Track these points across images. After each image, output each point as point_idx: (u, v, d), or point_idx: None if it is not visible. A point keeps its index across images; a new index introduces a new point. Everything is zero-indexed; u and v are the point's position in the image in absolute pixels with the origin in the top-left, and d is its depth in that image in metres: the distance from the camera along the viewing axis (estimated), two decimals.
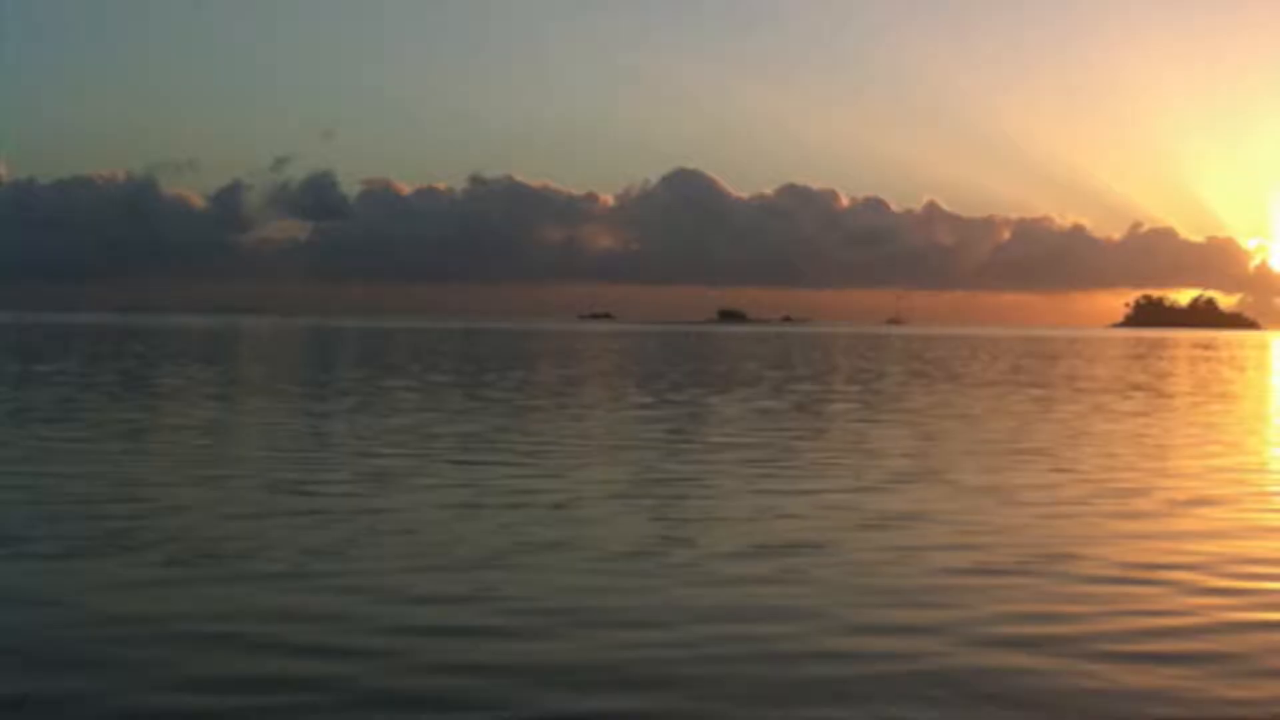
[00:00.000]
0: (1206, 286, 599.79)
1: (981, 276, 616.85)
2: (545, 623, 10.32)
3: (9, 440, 23.27)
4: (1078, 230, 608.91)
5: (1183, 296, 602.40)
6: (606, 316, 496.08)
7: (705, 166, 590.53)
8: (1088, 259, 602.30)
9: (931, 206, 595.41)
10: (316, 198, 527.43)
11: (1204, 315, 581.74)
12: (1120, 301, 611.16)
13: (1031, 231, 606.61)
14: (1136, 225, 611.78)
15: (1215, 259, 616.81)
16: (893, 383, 49.86)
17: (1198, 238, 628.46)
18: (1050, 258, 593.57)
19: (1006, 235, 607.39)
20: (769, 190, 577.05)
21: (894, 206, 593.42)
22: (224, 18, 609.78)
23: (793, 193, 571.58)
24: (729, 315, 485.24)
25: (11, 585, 11.44)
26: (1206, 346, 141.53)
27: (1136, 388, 47.50)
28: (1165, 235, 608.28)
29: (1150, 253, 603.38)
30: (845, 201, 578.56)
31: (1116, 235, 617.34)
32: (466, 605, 10.91)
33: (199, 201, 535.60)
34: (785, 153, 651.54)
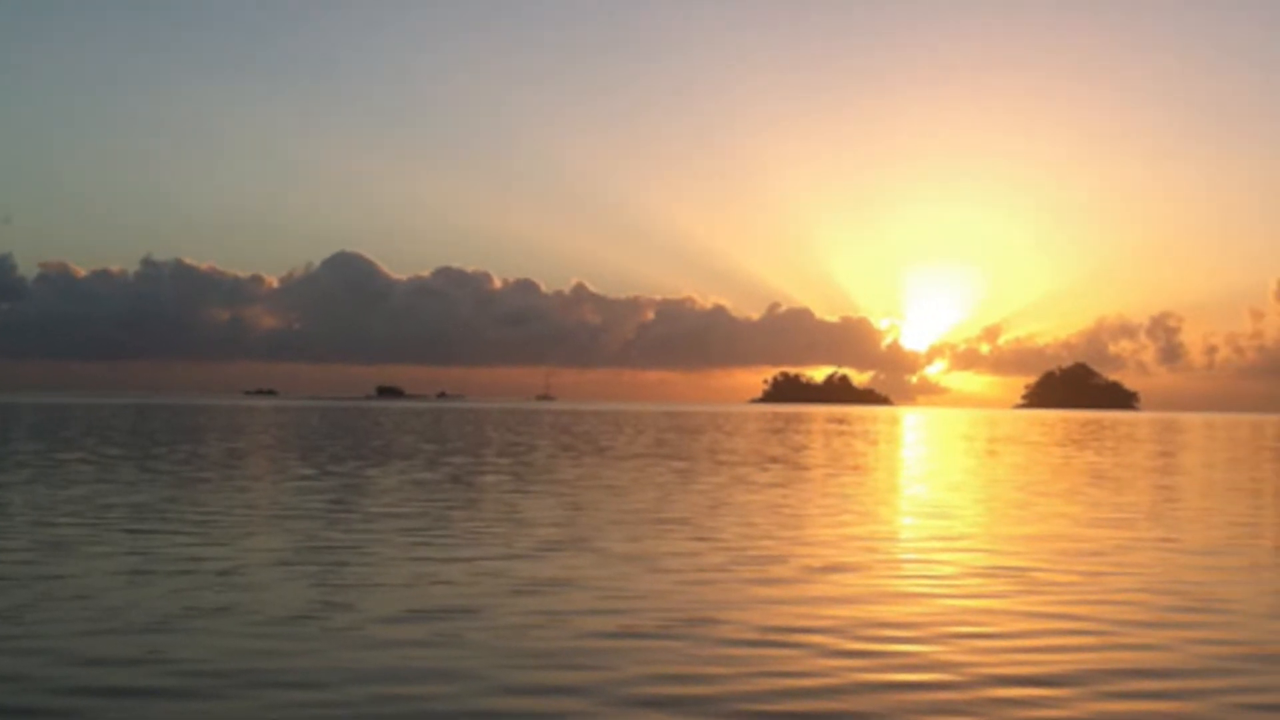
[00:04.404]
0: (841, 364, 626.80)
1: (627, 354, 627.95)
2: (214, 684, 10.43)
3: None
4: (719, 310, 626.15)
5: (818, 373, 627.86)
6: (271, 393, 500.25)
7: (365, 250, 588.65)
8: (728, 337, 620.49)
9: (579, 288, 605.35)
10: None
11: (838, 391, 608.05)
12: (759, 378, 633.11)
13: (675, 311, 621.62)
14: (775, 306, 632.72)
15: (849, 338, 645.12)
16: (542, 455, 50.37)
17: (832, 318, 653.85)
18: (692, 336, 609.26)
19: (651, 315, 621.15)
20: (425, 272, 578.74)
21: (544, 288, 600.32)
22: None
23: (447, 275, 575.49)
24: (387, 391, 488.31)
25: None
26: (840, 421, 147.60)
27: (774, 460, 49.15)
28: (802, 315, 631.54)
29: (787, 332, 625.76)
30: (498, 283, 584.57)
31: (755, 315, 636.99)
32: (139, 667, 11.00)
33: None
34: (441, 237, 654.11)
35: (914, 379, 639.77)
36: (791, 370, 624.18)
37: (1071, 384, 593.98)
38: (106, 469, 37.77)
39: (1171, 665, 11.70)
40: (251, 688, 10.34)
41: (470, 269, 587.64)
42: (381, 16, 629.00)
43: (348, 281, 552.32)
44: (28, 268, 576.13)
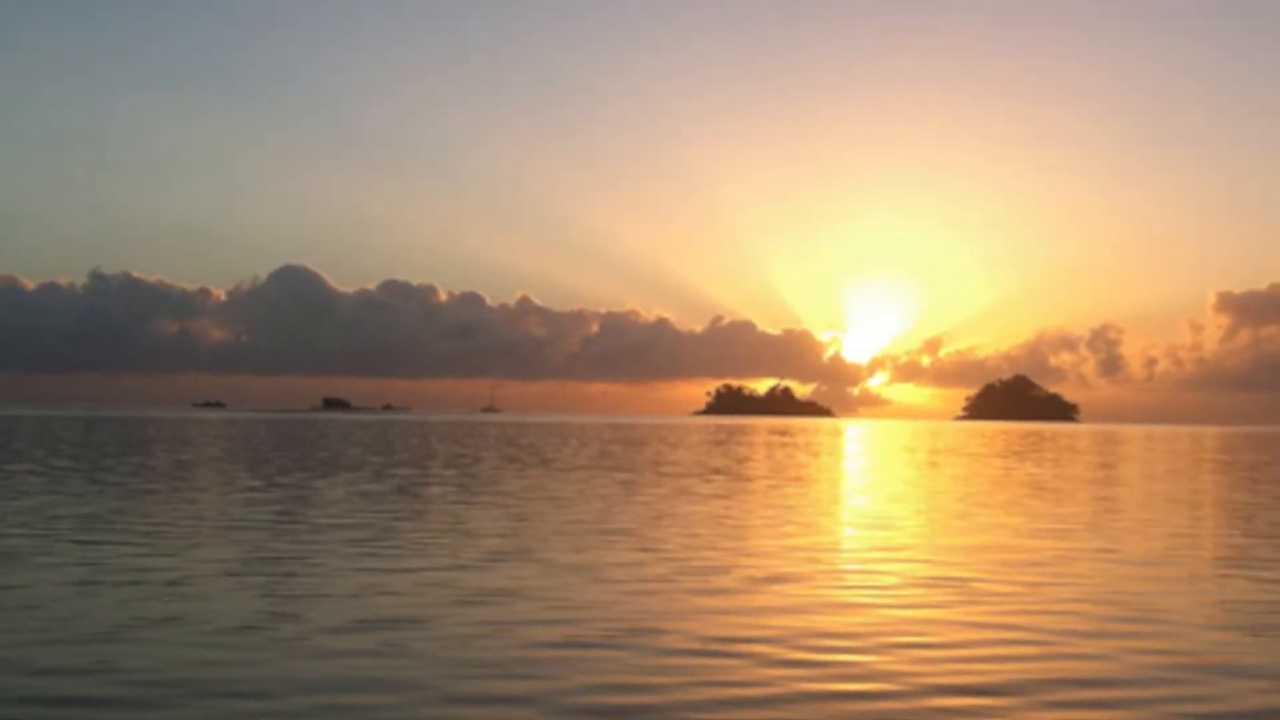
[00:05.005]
0: (783, 376, 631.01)
1: (571, 367, 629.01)
2: (163, 693, 10.47)
3: None
4: (662, 323, 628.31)
5: (761, 386, 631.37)
6: (218, 405, 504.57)
7: (311, 263, 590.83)
8: (672, 350, 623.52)
9: (524, 301, 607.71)
10: None
11: (781, 403, 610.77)
12: (702, 390, 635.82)
13: (619, 324, 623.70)
14: (717, 318, 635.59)
15: (791, 350, 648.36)
16: (488, 467, 50.30)
17: (775, 330, 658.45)
18: (636, 349, 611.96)
19: (595, 328, 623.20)
20: (371, 285, 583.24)
21: (489, 301, 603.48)
22: None
23: (393, 288, 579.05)
24: (333, 403, 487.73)
25: None
26: (783, 433, 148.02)
27: (717, 472, 49.22)
28: (744, 328, 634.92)
29: (730, 344, 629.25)
30: (443, 296, 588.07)
31: (699, 328, 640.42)
32: (88, 677, 11.03)
33: None
34: (387, 250, 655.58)
35: (856, 391, 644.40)
36: (734, 382, 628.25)
37: (1012, 396, 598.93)
38: (55, 480, 37.68)
39: (1111, 675, 11.82)
40: (199, 697, 10.36)
41: (416, 282, 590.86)
42: (327, 32, 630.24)
43: (294, 294, 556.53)
44: None
